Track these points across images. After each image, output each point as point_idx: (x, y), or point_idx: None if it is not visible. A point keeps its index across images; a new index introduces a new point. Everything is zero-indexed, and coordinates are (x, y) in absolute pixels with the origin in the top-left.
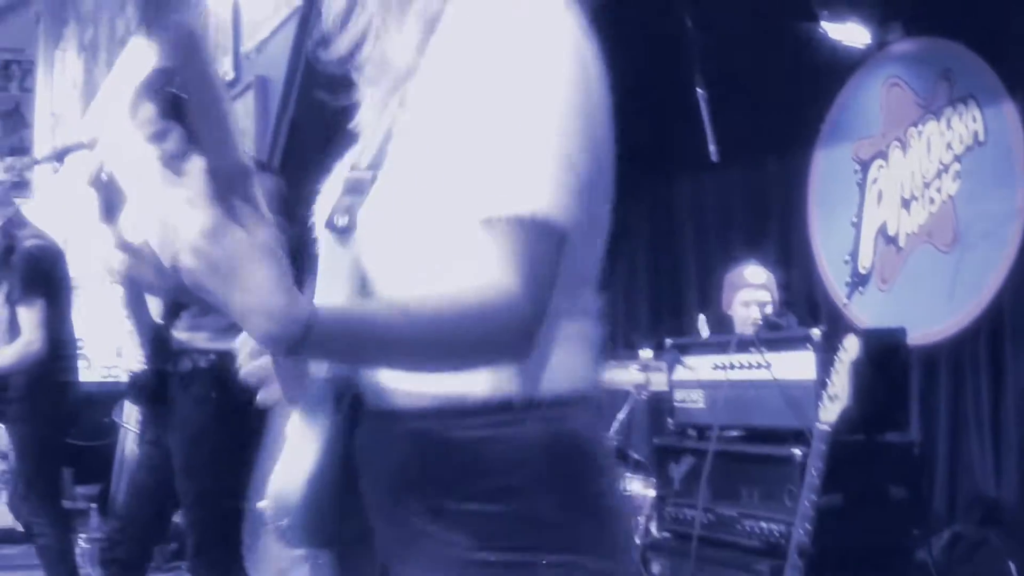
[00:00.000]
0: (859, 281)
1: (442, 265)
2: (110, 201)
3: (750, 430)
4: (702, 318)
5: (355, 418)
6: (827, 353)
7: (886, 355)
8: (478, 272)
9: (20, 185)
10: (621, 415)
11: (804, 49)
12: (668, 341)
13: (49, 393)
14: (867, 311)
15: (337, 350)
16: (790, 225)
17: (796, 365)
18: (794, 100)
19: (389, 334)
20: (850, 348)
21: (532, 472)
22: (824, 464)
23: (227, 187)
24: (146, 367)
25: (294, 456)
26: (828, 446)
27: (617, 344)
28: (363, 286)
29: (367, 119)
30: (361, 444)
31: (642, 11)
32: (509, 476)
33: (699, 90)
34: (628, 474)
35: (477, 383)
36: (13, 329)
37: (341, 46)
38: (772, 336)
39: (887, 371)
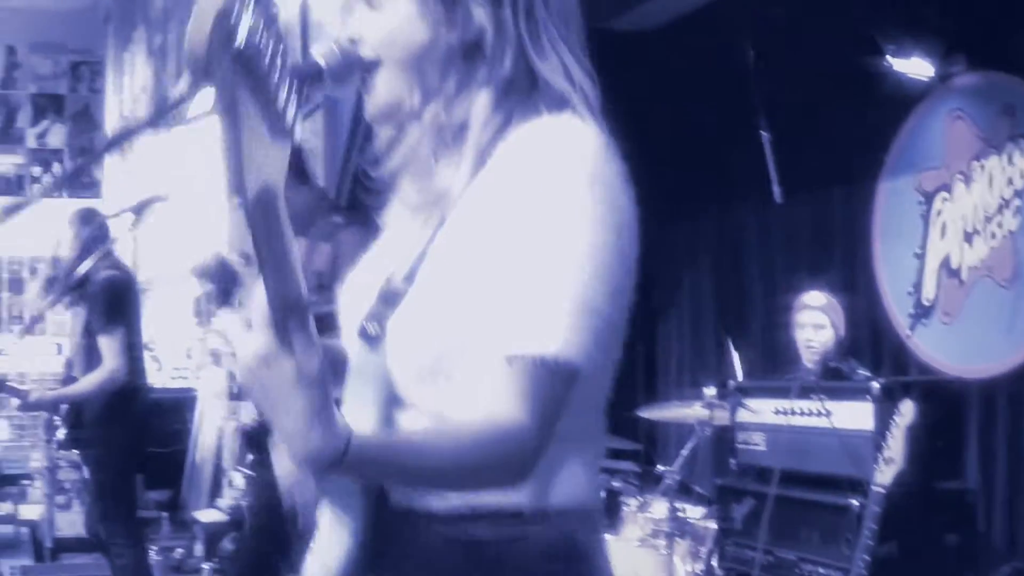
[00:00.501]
0: (922, 313)
1: (463, 385)
2: (224, 288)
3: (809, 476)
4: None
5: (381, 515)
6: (884, 404)
7: (942, 413)
8: (494, 402)
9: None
10: (685, 451)
11: (869, 81)
12: (731, 383)
13: (126, 419)
14: (930, 344)
15: (366, 474)
16: (855, 257)
17: (855, 415)
18: (860, 131)
19: (413, 461)
20: (906, 413)
21: (538, 573)
22: (879, 524)
23: (284, 315)
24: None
25: (324, 547)
26: (883, 508)
27: (683, 381)
28: (390, 392)
29: (402, 228)
30: (386, 540)
31: (707, 46)
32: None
33: (763, 132)
34: (690, 506)
35: (493, 494)
36: (90, 356)
37: (388, 168)
38: (832, 385)
39: (943, 430)
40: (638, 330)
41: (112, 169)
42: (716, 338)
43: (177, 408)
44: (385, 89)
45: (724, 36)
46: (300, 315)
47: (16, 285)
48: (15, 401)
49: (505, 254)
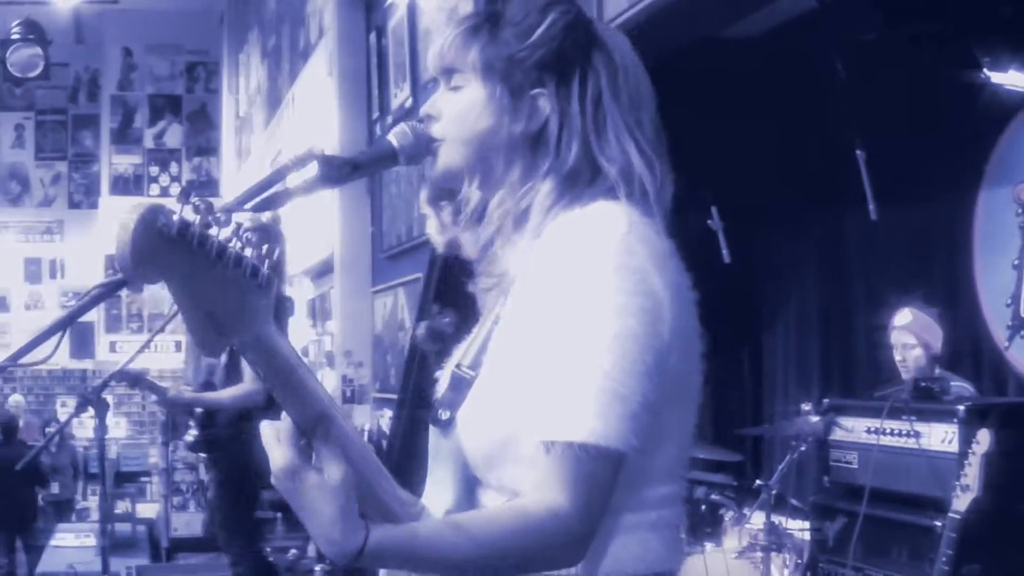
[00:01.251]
0: (1020, 325)
1: (525, 467)
2: None
3: (898, 495)
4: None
5: None
6: (968, 427)
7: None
8: (535, 489)
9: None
10: (782, 465)
11: (968, 93)
12: (826, 401)
13: (255, 436)
14: None
15: (389, 565)
16: (957, 269)
17: (942, 437)
18: (959, 143)
19: (432, 555)
20: (983, 441)
21: None
22: (955, 551)
23: (305, 434)
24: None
25: None
26: (959, 534)
27: (788, 396)
28: (466, 474)
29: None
30: None
31: (802, 57)
32: None
33: (857, 152)
34: (788, 519)
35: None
36: (230, 373)
37: (470, 249)
38: (921, 406)
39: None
40: (745, 346)
41: (230, 168)
42: (821, 354)
43: None
44: (447, 157)
45: (819, 48)
46: (323, 430)
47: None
48: (152, 396)
49: (537, 342)
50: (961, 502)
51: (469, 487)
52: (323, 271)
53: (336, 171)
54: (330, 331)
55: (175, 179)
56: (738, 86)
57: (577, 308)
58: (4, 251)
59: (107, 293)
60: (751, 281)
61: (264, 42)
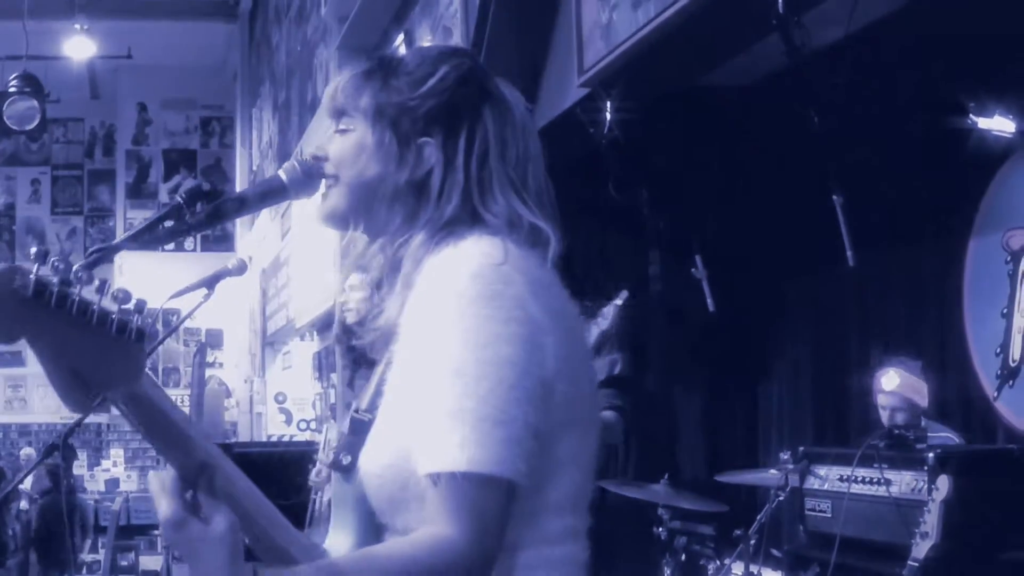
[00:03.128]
0: (1009, 374)
1: (423, 505)
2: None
3: (870, 544)
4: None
5: None
6: (935, 475)
7: (991, 486)
8: (428, 522)
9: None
10: (760, 515)
11: (956, 140)
12: (800, 449)
13: None
14: (1016, 406)
15: None
16: (946, 317)
17: (912, 484)
18: (948, 190)
19: None
20: (942, 487)
21: None
22: None
23: (187, 484)
24: None
25: None
26: None
27: (783, 445)
28: (368, 517)
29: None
30: None
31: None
32: None
33: (835, 197)
34: (768, 570)
35: None
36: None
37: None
38: (893, 454)
39: (992, 503)
40: (738, 395)
41: (244, 222)
42: (814, 402)
43: (302, 460)
44: (333, 200)
45: (799, 98)
46: (207, 480)
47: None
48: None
49: (413, 380)
50: (920, 549)
51: (373, 531)
52: (328, 323)
53: (225, 206)
54: (335, 383)
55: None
56: (722, 135)
57: (452, 338)
58: None
59: None
60: (743, 330)
61: (275, 96)
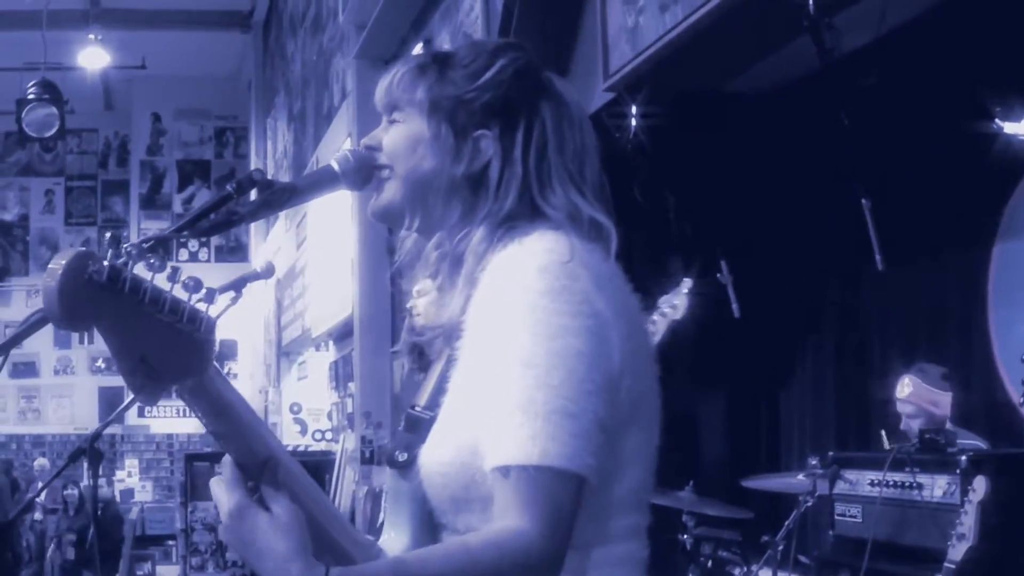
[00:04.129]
0: None
1: (487, 503)
2: None
3: (902, 548)
4: (883, 434)
5: None
6: (968, 478)
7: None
8: (498, 517)
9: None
10: (789, 520)
11: (981, 144)
12: (830, 454)
13: None
14: None
15: None
16: (970, 322)
17: (945, 488)
18: (973, 195)
19: None
20: (979, 489)
21: None
22: None
23: (254, 476)
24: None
25: None
26: None
27: (805, 451)
28: (426, 515)
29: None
30: None
31: (813, 110)
32: None
33: (863, 200)
34: (795, 574)
35: None
36: None
37: (410, 285)
38: (924, 457)
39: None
40: (760, 401)
41: (258, 233)
42: (837, 408)
43: (317, 470)
44: (388, 195)
45: (825, 102)
46: (270, 473)
47: None
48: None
49: (480, 375)
50: (957, 551)
51: (429, 529)
52: (344, 333)
53: (276, 196)
54: (352, 393)
55: (204, 244)
56: (747, 140)
57: (521, 332)
58: None
59: (43, 322)
60: (765, 336)
61: (290, 106)
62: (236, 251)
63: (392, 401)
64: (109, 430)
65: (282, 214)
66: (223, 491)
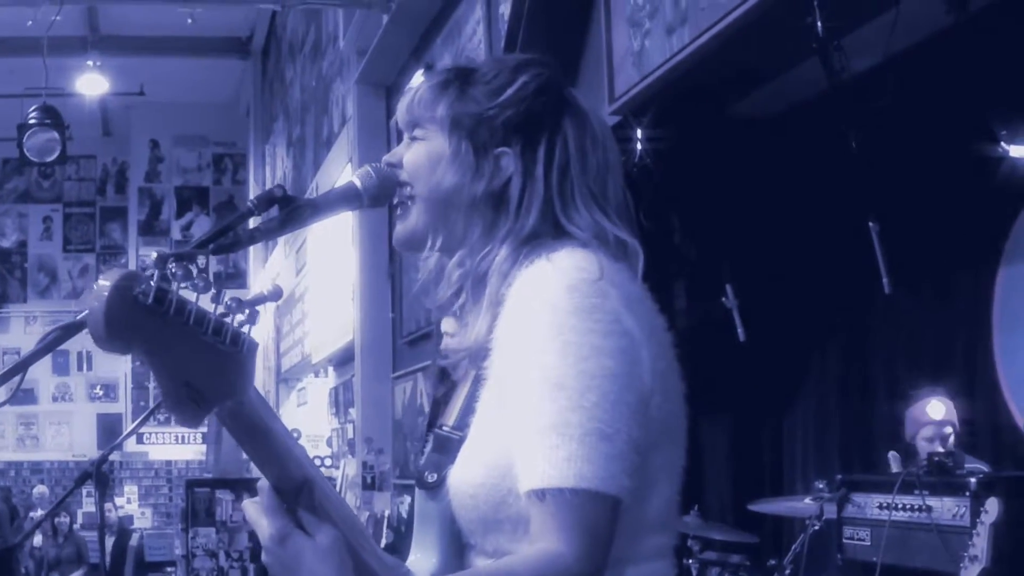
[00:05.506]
0: None
1: (518, 525)
2: None
3: (910, 571)
4: (893, 455)
5: None
6: (979, 500)
7: None
8: (533, 540)
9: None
10: (796, 544)
11: (985, 167)
12: (838, 477)
13: None
14: None
15: None
16: (975, 347)
17: (954, 510)
18: (977, 219)
19: None
20: (991, 510)
21: None
22: None
23: (291, 500)
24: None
25: None
26: None
27: (809, 476)
28: (454, 536)
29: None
30: None
31: (818, 133)
32: None
33: (871, 223)
34: None
35: None
36: None
37: (432, 303)
38: (933, 480)
39: None
40: (764, 425)
41: (257, 259)
42: (841, 433)
43: None
44: (413, 219)
45: (833, 125)
46: (307, 495)
47: None
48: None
49: (510, 395)
50: (969, 573)
51: (457, 551)
52: (345, 359)
53: (297, 212)
54: (352, 418)
55: (202, 271)
56: (752, 164)
57: (551, 352)
58: (32, 343)
59: (64, 336)
60: (769, 360)
61: (289, 132)
62: (235, 277)
63: (394, 427)
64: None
65: (281, 240)
66: (262, 516)
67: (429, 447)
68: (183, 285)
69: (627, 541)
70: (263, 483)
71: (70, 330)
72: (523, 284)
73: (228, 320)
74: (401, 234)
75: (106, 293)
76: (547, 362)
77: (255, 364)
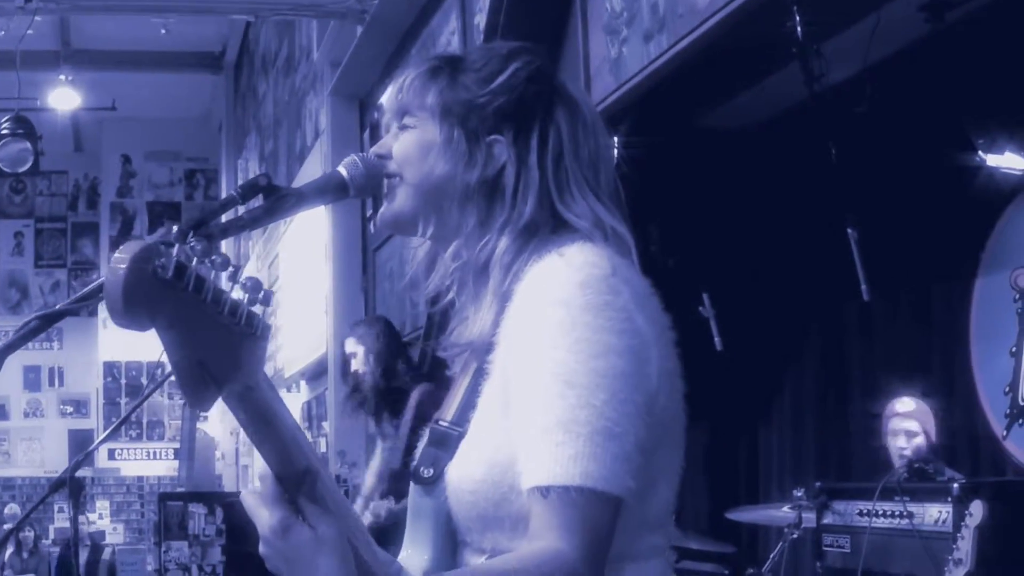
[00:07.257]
0: (1018, 413)
1: (517, 523)
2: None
3: None
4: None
5: None
6: (961, 505)
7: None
8: (534, 537)
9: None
10: (774, 553)
11: (964, 177)
12: (817, 485)
13: None
14: None
15: None
16: (952, 355)
17: (936, 516)
18: (955, 227)
19: None
20: (976, 513)
21: None
22: None
23: (293, 489)
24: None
25: None
26: None
27: (785, 484)
28: (449, 533)
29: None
30: None
31: (796, 143)
32: None
33: (848, 230)
34: None
35: None
36: None
37: (426, 293)
38: (914, 486)
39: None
40: (741, 435)
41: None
42: (817, 441)
43: None
44: (399, 203)
45: (812, 134)
46: (310, 485)
47: (134, 391)
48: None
49: (521, 392)
50: None
51: (450, 548)
52: (318, 372)
53: (281, 202)
54: (325, 432)
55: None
56: (730, 173)
57: (562, 348)
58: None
59: (43, 326)
60: (746, 369)
61: (262, 147)
62: None
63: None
64: (80, 472)
65: (253, 255)
66: (262, 507)
67: (425, 441)
68: (201, 261)
69: (628, 538)
70: (266, 472)
71: (49, 319)
72: (534, 279)
73: (244, 301)
74: (387, 215)
75: (124, 266)
76: (558, 358)
77: (266, 347)
